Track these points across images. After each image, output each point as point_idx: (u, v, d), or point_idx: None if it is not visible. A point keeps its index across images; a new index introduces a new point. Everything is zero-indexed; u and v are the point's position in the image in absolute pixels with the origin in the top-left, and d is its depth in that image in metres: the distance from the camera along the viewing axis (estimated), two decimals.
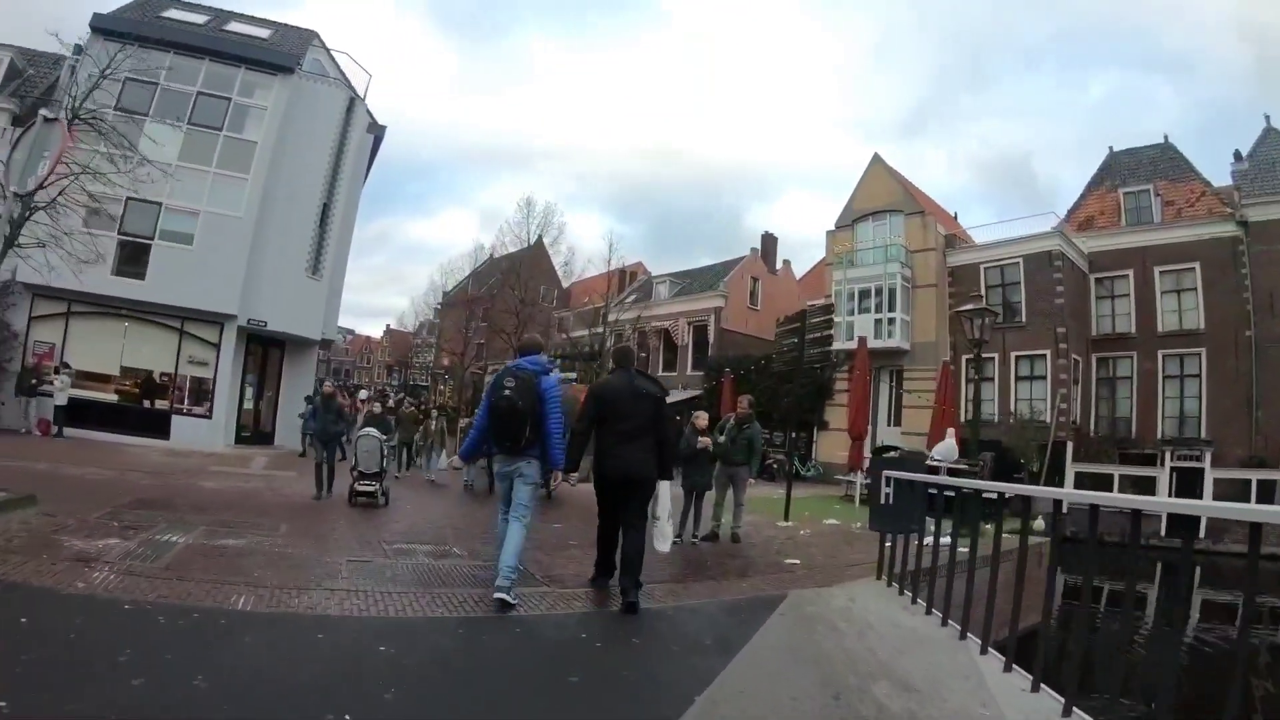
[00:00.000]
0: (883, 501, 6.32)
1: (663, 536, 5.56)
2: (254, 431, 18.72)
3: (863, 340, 18.14)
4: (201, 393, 17.46)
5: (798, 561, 7.65)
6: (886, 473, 6.39)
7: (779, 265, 38.21)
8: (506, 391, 4.81)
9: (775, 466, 23.46)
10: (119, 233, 17.13)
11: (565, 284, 41.56)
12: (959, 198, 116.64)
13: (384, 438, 10.26)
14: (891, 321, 25.13)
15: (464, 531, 8.28)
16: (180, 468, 12.51)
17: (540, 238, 39.35)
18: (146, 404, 17.24)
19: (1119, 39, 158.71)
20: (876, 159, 28.67)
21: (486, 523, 7.55)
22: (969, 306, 12.00)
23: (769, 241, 37.89)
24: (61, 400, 16.28)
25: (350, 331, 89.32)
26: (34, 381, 16.38)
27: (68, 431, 16.17)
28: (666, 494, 5.50)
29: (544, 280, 41.74)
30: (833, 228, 28.85)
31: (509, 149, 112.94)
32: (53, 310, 17.16)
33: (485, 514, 8.75)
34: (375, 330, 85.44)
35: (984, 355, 24.82)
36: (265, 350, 19.08)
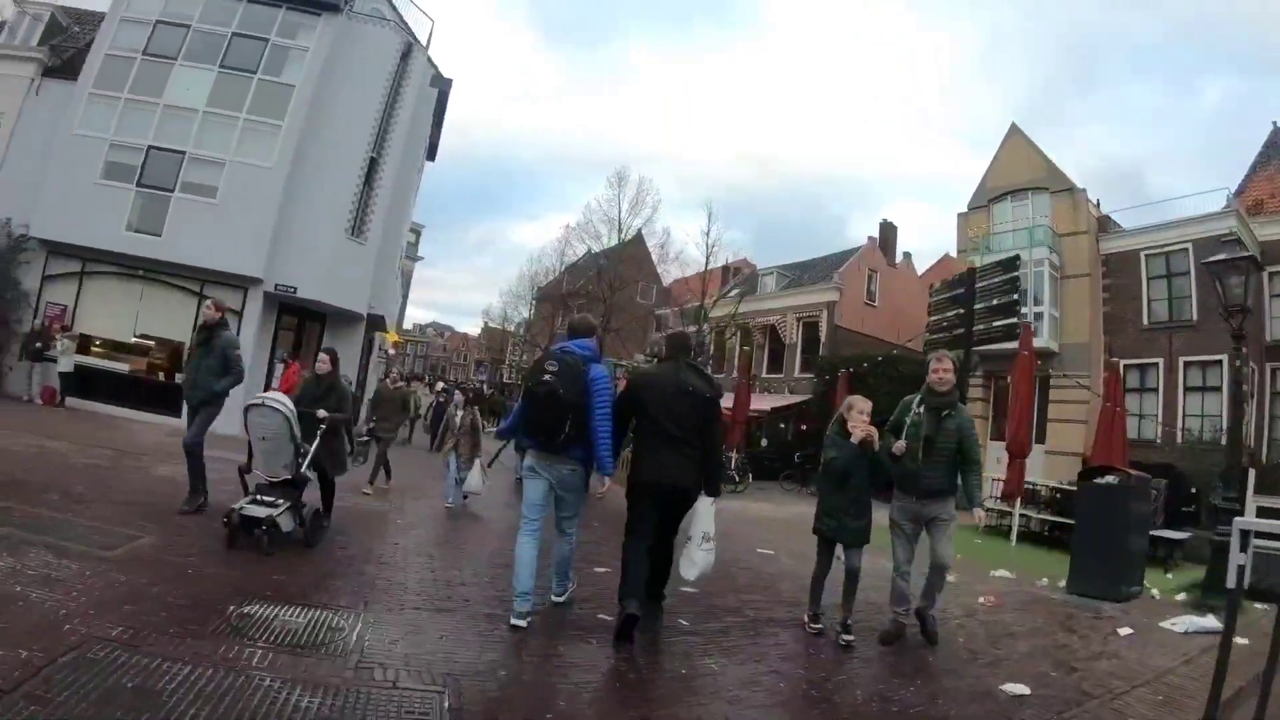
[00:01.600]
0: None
1: (691, 563, 4.58)
2: None
3: (1027, 329, 14.09)
4: None
5: (1025, 690, 4.01)
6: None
7: (898, 258, 33.84)
8: (547, 376, 4.18)
9: None
10: (137, 184, 15.11)
11: (661, 272, 38.05)
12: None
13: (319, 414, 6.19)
14: (1038, 317, 20.70)
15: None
16: (164, 449, 10.16)
17: (639, 233, 36.16)
18: (163, 376, 15.05)
19: (1234, 40, 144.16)
20: (1015, 130, 24.34)
21: None
22: (1219, 257, 7.96)
23: (887, 231, 33.36)
24: (65, 366, 14.39)
25: (449, 328, 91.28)
26: (39, 345, 14.44)
27: (73, 402, 14.38)
28: (709, 513, 4.60)
29: (643, 277, 38.69)
30: (964, 210, 24.68)
31: (609, 154, 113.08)
32: (66, 269, 15.39)
33: None
34: (476, 328, 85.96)
35: (1145, 361, 21.17)
36: (302, 324, 16.66)
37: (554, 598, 4.67)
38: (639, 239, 37.02)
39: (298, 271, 15.17)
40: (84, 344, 15.04)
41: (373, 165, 16.47)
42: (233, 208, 14.93)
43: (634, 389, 4.74)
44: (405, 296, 73.59)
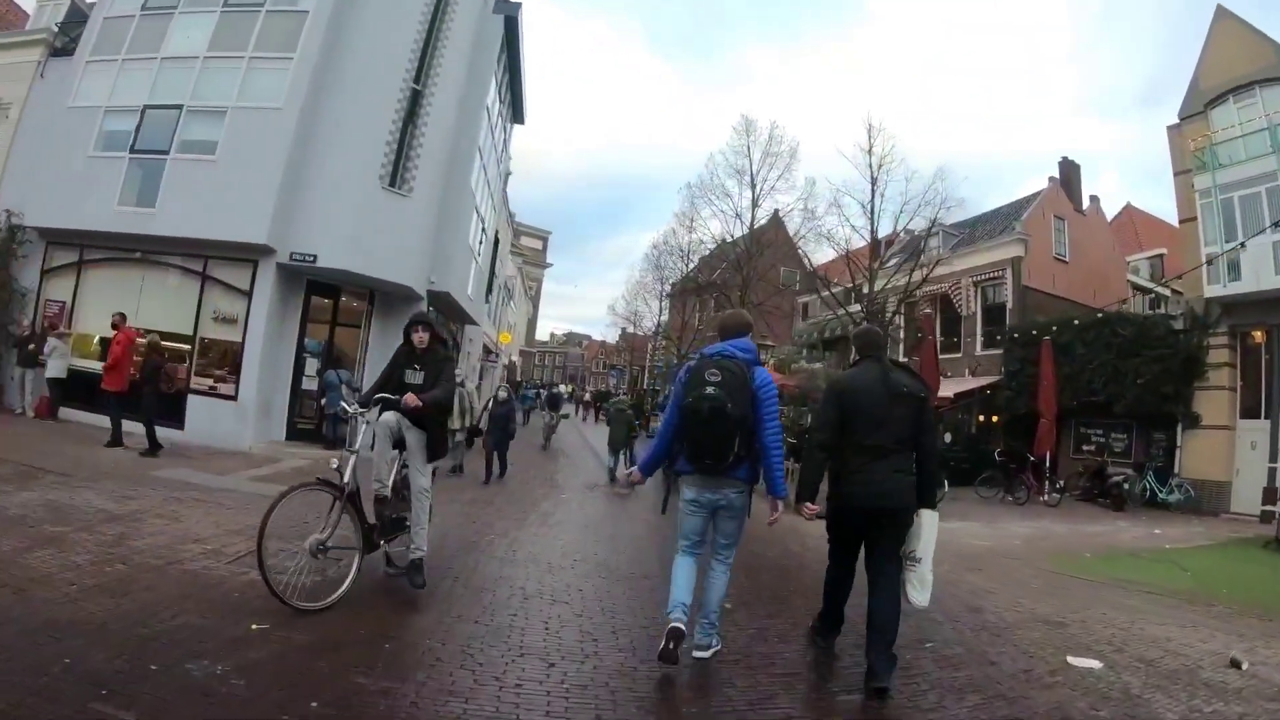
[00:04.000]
0: None
1: (921, 585, 3.97)
2: (322, 420, 12.82)
3: None
4: (224, 363, 11.92)
5: None
6: None
7: (1085, 203, 26.84)
8: (710, 390, 3.65)
9: (1123, 486, 15.68)
10: (130, 151, 12.31)
11: (804, 254, 29.59)
12: None
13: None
14: None
15: None
16: (151, 479, 7.93)
17: (775, 215, 29.33)
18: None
19: None
20: (1223, 12, 17.87)
21: None
22: None
23: (1070, 171, 26.37)
24: (55, 372, 11.84)
25: (586, 337, 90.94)
26: (31, 348, 11.95)
27: (67, 413, 11.82)
28: (932, 528, 4.00)
29: (783, 262, 32.91)
30: (1175, 121, 18.52)
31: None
32: (66, 260, 12.85)
33: None
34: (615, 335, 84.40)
35: None
36: (337, 305, 13.20)
37: (697, 653, 3.76)
38: (776, 221, 30.97)
39: (318, 235, 11.69)
40: (81, 343, 12.42)
41: (415, 100, 12.79)
42: (235, 164, 11.69)
43: (838, 398, 4.03)
44: (536, 306, 73.08)
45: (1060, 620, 5.34)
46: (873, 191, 22.50)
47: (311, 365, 12.55)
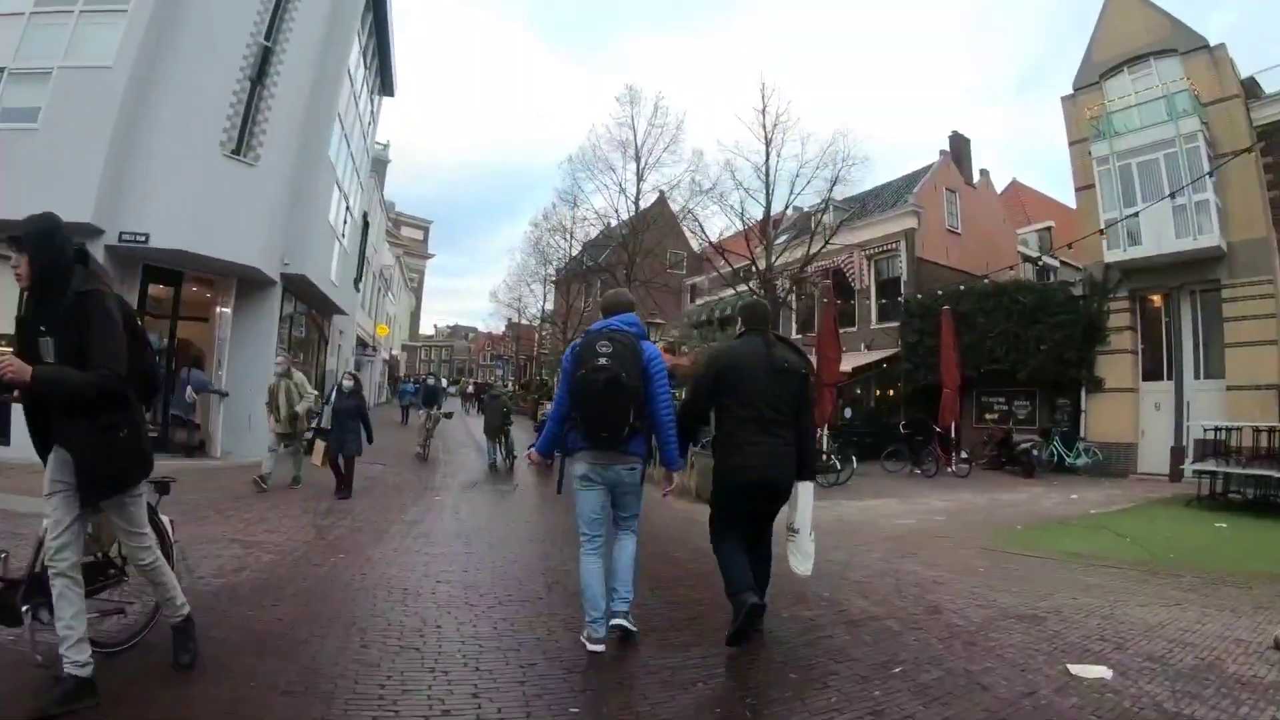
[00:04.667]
0: None
1: (805, 555, 4.16)
2: (165, 425, 11.59)
3: None
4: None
5: None
6: None
7: (975, 176, 28.04)
8: (602, 360, 3.58)
9: (1032, 453, 15.78)
10: None
11: (691, 235, 29.31)
12: None
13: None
14: (1200, 209, 15.34)
15: None
16: None
17: (661, 196, 28.67)
18: None
19: None
20: None
21: None
22: None
23: (959, 144, 27.24)
24: None
25: (472, 329, 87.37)
26: None
27: None
28: (808, 499, 4.14)
29: (670, 242, 32.48)
30: (1070, 92, 19.36)
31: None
32: None
33: None
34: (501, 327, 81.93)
35: None
36: (179, 293, 11.90)
37: (618, 620, 3.71)
38: (662, 201, 30.73)
39: (151, 212, 10.46)
40: None
41: (265, 58, 11.71)
42: (59, 133, 10.24)
43: (718, 369, 4.02)
44: (419, 299, 70.41)
45: (1032, 613, 4.77)
46: (767, 152, 21.99)
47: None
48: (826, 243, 21.54)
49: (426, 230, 67.95)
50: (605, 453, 3.69)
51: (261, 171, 11.51)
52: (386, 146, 59.38)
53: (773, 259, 21.57)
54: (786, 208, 23.13)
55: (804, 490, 4.09)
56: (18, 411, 10.29)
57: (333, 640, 3.82)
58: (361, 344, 28.10)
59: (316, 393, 9.45)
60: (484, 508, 9.24)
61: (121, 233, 10.37)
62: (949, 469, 15.34)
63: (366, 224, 21.39)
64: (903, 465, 15.60)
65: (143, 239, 10.39)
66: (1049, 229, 28.00)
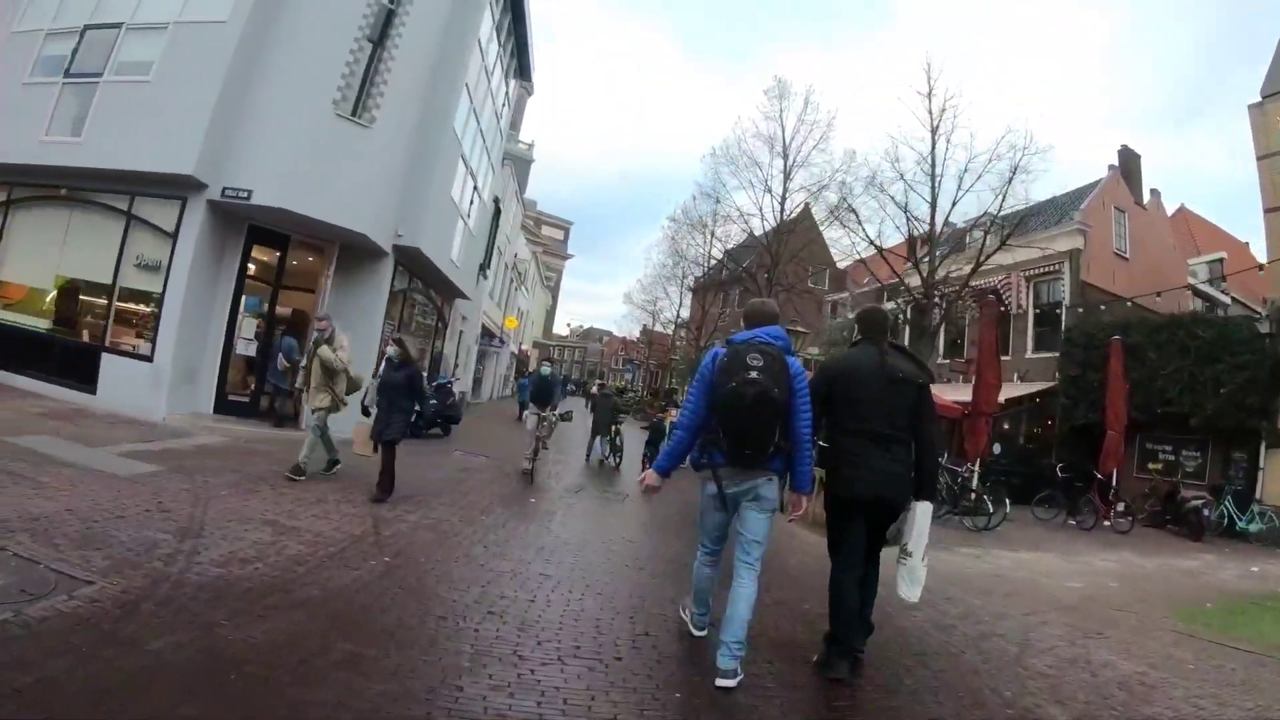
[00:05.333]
0: None
1: (914, 580, 3.90)
2: (258, 392, 11.04)
3: None
4: (144, 317, 10.18)
5: None
6: None
7: (1146, 195, 24.43)
8: (754, 374, 3.38)
9: (1202, 512, 13.38)
10: (65, 75, 10.68)
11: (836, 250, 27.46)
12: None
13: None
14: None
15: None
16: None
17: (806, 207, 26.44)
18: (87, 334, 10.41)
19: None
20: None
21: None
22: None
23: (1129, 160, 24.00)
24: None
25: (608, 333, 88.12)
26: None
27: None
28: (925, 521, 3.89)
29: (812, 262, 30.36)
30: (1258, 99, 16.29)
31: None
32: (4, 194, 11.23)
33: None
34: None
35: None
36: (285, 258, 11.36)
37: (721, 681, 3.31)
38: (806, 214, 28.32)
39: (256, 168, 9.88)
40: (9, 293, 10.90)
41: (387, 20, 10.96)
42: (170, 86, 9.94)
43: (830, 379, 3.89)
44: (555, 298, 71.23)
45: None
46: (933, 140, 19.13)
47: (249, 327, 10.77)
48: (982, 259, 18.52)
49: (567, 231, 68.61)
50: (744, 470, 3.52)
51: (377, 135, 10.73)
52: (531, 146, 60.67)
53: (935, 265, 18.95)
54: (954, 204, 19.87)
55: (921, 511, 3.88)
56: (117, 366, 10.21)
57: (294, 690, 2.77)
58: (488, 334, 27.78)
59: (346, 366, 7.62)
60: (582, 519, 7.87)
61: (225, 188, 9.85)
62: (1105, 522, 13.21)
63: (498, 210, 20.77)
64: (1055, 513, 13.50)
65: (245, 195, 9.81)
66: (1220, 260, 24.26)
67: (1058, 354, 18.84)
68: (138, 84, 10.16)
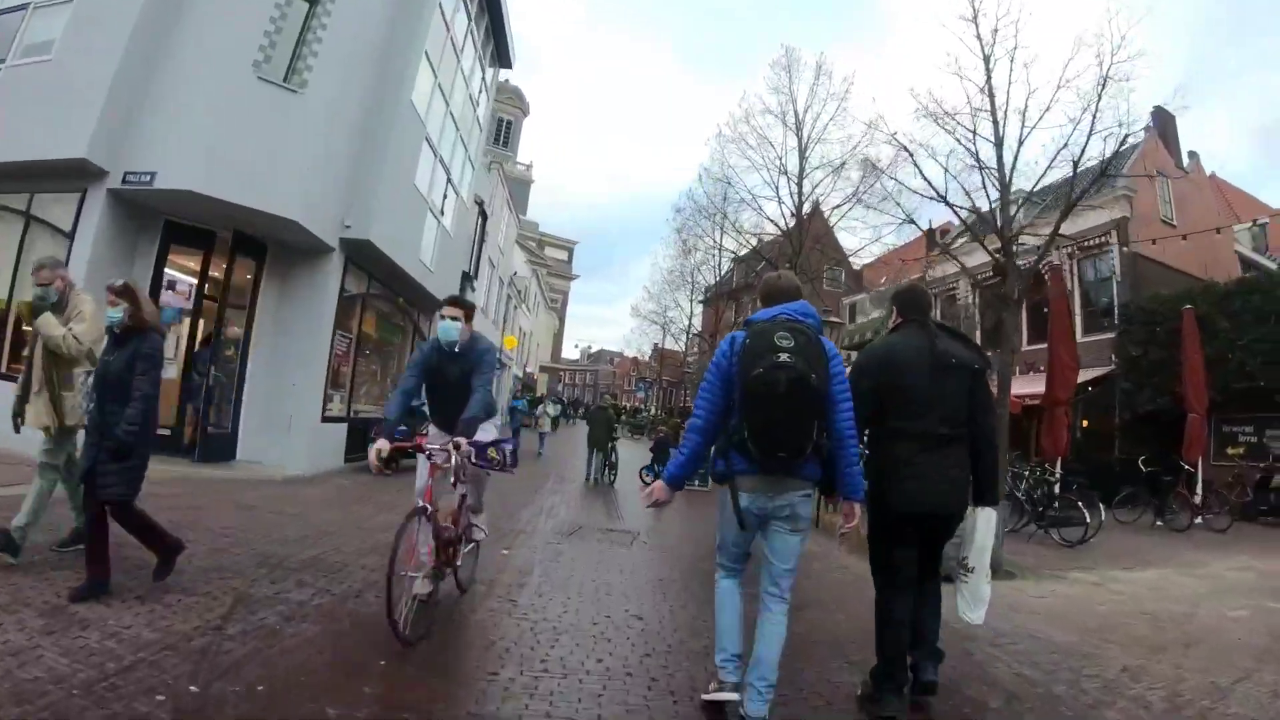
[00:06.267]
0: None
1: (978, 600, 3.36)
2: (196, 429, 9.24)
3: None
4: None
5: None
6: None
7: (1185, 159, 22.50)
8: (784, 356, 2.72)
9: None
10: None
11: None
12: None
13: None
14: None
15: None
16: None
17: (817, 207, 23.87)
18: None
19: None
20: None
21: None
22: None
23: (1165, 121, 21.89)
24: None
25: (618, 354, 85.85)
26: None
27: None
28: (988, 530, 3.34)
29: (825, 260, 28.14)
30: None
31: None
32: None
33: None
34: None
35: None
36: (208, 258, 9.50)
37: (747, 713, 2.82)
38: (817, 213, 26.01)
39: (161, 149, 8.18)
40: None
41: None
42: (70, 62, 8.37)
43: (871, 370, 3.26)
44: (562, 321, 69.56)
45: None
46: (988, 69, 15.73)
47: (168, 343, 9.03)
48: (1076, 199, 15.76)
49: (570, 251, 67.18)
50: (773, 478, 2.83)
51: (310, 103, 9.01)
52: (529, 167, 59.70)
53: (1011, 216, 16.61)
54: (1022, 142, 16.84)
55: (983, 520, 3.32)
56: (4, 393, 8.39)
57: None
58: None
59: (83, 350, 4.26)
60: (570, 581, 5.40)
61: (126, 173, 8.16)
62: (1196, 519, 11.42)
63: (483, 213, 19.10)
64: (1139, 513, 11.74)
65: (147, 179, 8.11)
66: (1263, 225, 22.21)
67: (1112, 335, 16.85)
68: (39, 65, 8.67)
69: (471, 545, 4.61)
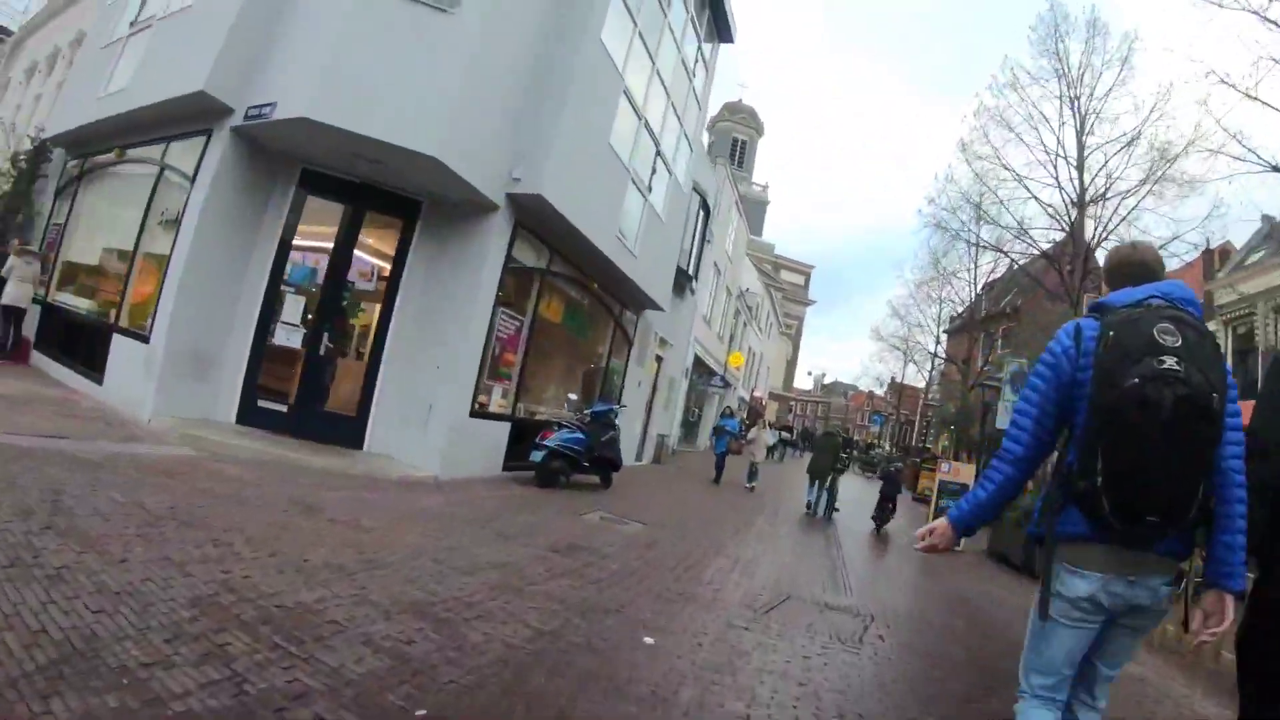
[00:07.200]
0: None
1: None
2: (309, 396, 7.82)
3: None
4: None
5: None
6: None
7: None
8: (1170, 361, 1.66)
9: None
10: (130, 26, 9.09)
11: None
12: None
13: None
14: None
15: None
16: None
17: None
18: (112, 314, 8.20)
19: None
20: None
21: None
22: None
23: None
24: (11, 299, 8.85)
25: (853, 388, 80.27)
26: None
27: (40, 360, 8.91)
28: None
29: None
30: None
31: None
32: (72, 174, 10.14)
33: None
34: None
35: None
36: (359, 214, 8.13)
37: None
38: (1102, 203, 20.54)
39: (289, 79, 6.88)
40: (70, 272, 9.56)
41: None
42: (210, 4, 7.49)
43: None
44: (796, 348, 65.81)
45: None
46: None
47: (294, 308, 7.66)
48: None
49: (808, 276, 63.69)
50: (1134, 553, 1.78)
51: (464, 22, 7.28)
52: (765, 188, 57.37)
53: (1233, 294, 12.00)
54: None
55: None
56: (122, 349, 7.78)
57: None
58: (705, 369, 23.85)
59: None
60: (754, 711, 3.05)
61: (249, 108, 6.95)
62: None
63: (706, 208, 16.93)
64: None
65: (268, 111, 6.79)
66: None
67: None
68: (183, 13, 8.00)
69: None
